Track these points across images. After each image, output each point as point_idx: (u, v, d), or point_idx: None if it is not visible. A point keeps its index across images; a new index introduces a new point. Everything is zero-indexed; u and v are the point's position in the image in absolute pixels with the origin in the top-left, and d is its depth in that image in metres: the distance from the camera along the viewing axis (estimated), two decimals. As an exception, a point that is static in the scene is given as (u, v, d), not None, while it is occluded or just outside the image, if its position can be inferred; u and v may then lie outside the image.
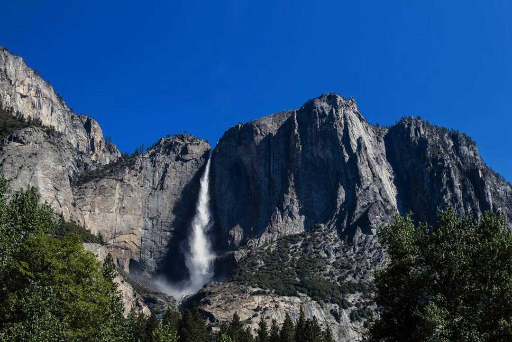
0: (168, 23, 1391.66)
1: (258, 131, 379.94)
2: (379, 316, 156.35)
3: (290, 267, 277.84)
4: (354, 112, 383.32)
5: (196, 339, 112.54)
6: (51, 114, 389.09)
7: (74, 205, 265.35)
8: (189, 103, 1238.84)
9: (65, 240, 45.64)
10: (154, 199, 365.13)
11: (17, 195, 49.35)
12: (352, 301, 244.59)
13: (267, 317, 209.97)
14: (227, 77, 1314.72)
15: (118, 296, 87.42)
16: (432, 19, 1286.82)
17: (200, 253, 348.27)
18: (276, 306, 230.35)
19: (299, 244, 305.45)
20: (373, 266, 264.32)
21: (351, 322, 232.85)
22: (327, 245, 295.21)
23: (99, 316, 42.70)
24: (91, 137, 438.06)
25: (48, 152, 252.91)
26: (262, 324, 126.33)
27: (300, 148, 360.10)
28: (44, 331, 36.98)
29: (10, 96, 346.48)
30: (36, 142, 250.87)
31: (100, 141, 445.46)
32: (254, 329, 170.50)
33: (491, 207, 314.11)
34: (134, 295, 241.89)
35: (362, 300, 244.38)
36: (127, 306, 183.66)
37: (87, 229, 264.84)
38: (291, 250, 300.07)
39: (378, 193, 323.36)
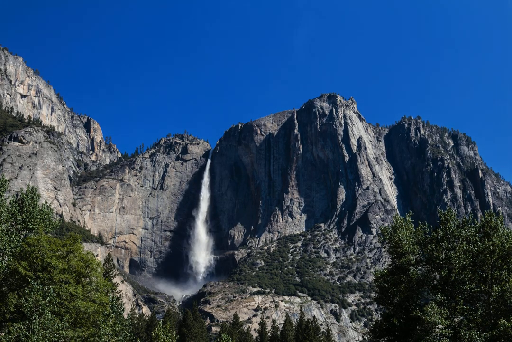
0: (165, 24, 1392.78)
1: (258, 131, 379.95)
2: (379, 316, 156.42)
3: (290, 267, 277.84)
4: (354, 112, 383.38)
5: (196, 339, 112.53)
6: (51, 114, 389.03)
7: (74, 205, 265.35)
8: (189, 103, 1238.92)
9: (65, 240, 45.64)
10: (154, 199, 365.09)
11: (17, 195, 49.36)
12: (352, 301, 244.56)
13: (267, 317, 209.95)
14: (228, 76, 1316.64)
15: (118, 296, 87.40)
16: (431, 19, 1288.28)
17: (200, 253, 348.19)
18: (276, 306, 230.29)
19: (299, 244, 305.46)
20: (373, 266, 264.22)
21: (351, 322, 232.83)
22: (327, 245, 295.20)
23: (99, 316, 42.70)
24: (91, 137, 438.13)
25: (48, 152, 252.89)
26: (262, 324, 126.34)
27: (300, 148, 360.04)
28: (44, 331, 36.98)
29: (10, 96, 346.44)
30: (36, 142, 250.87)
31: (100, 141, 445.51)
32: (254, 329, 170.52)
33: (491, 207, 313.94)
34: (134, 295, 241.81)
35: (362, 300, 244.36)
36: (127, 306, 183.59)
37: (87, 229, 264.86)
38: (291, 250, 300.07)
39: (378, 192, 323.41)
